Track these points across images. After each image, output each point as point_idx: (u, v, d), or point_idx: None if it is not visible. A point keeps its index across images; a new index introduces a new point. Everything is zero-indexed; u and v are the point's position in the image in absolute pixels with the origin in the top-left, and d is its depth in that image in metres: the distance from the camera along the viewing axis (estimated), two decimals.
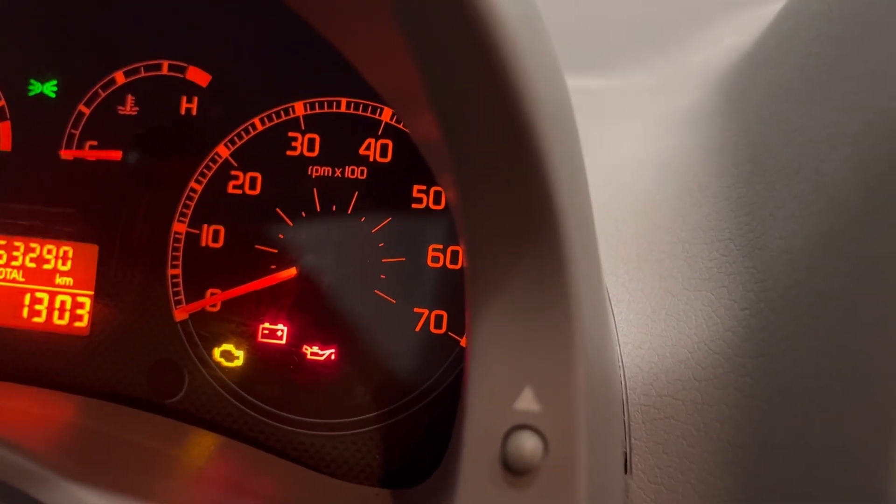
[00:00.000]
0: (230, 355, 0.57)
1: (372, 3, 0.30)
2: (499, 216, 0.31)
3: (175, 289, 0.57)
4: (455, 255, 0.55)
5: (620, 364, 0.49)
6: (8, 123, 0.61)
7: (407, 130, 0.56)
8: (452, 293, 0.54)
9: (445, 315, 0.54)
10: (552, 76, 0.30)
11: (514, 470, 0.33)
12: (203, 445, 0.55)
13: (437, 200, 0.55)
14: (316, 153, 0.57)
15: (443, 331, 0.54)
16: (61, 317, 0.59)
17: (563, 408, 0.33)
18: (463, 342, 0.54)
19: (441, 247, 0.55)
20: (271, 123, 0.57)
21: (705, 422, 0.45)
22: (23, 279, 0.60)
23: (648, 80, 0.83)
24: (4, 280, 0.60)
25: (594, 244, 0.37)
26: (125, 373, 0.58)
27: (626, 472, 0.47)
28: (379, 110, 0.56)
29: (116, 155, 0.59)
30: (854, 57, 0.42)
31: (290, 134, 0.57)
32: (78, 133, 0.60)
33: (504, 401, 0.33)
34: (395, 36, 0.28)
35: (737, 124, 0.59)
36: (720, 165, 0.57)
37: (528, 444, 0.33)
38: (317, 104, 0.57)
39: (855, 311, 0.36)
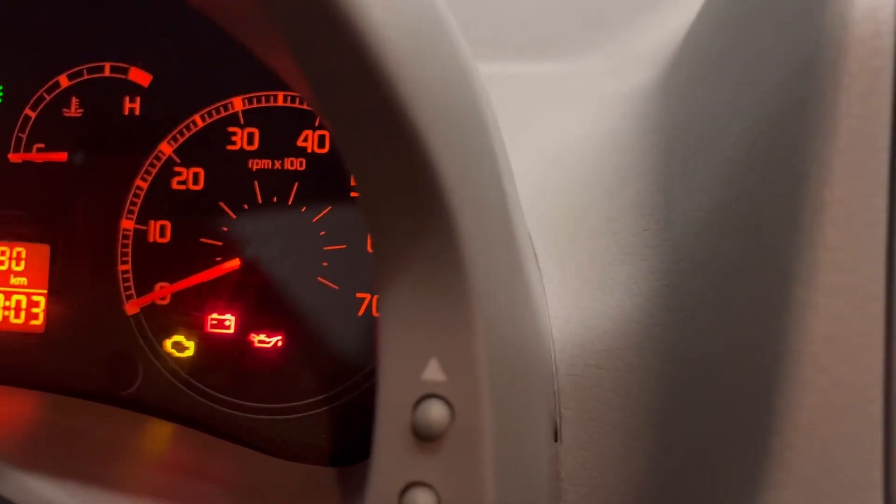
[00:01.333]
0: (181, 346, 0.59)
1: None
2: (391, 209, 0.33)
3: (125, 284, 0.59)
4: None
5: (551, 338, 0.51)
6: None
7: None
8: None
9: None
10: (436, 72, 0.32)
11: (423, 436, 0.35)
12: (159, 434, 0.57)
13: None
14: (255, 146, 0.59)
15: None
16: (17, 316, 0.61)
17: (465, 376, 0.35)
18: None
19: None
20: (211, 119, 0.59)
21: (627, 388, 0.47)
22: None
23: (600, 63, 0.85)
24: None
25: (502, 228, 0.39)
26: (81, 367, 0.60)
27: (556, 440, 0.49)
28: None
29: (63, 156, 0.60)
30: (747, 37, 0.44)
31: (230, 129, 0.59)
32: (25, 136, 0.61)
33: (413, 372, 0.35)
34: (273, 35, 0.30)
35: (666, 104, 0.61)
36: (649, 144, 0.59)
37: (435, 411, 0.35)
38: (254, 99, 0.59)
39: (744, 280, 0.38)
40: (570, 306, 0.53)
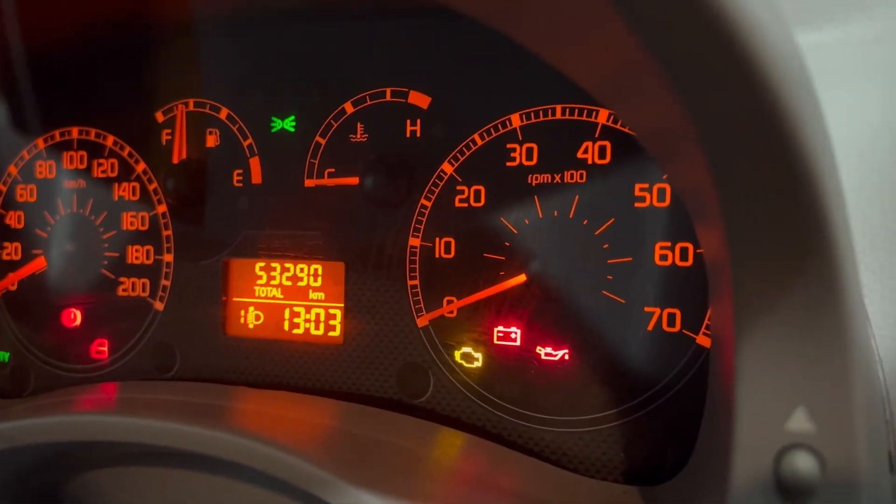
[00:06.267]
0: (470, 357, 0.61)
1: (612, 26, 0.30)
2: (771, 241, 0.31)
3: (415, 298, 0.62)
4: (684, 251, 0.54)
5: (878, 359, 0.47)
6: (257, 159, 0.68)
7: (625, 130, 0.56)
8: (684, 290, 0.54)
9: (679, 313, 0.54)
10: (813, 97, 0.29)
11: (789, 491, 0.33)
12: (451, 444, 0.60)
13: (660, 198, 0.55)
14: (534, 161, 0.59)
15: (676, 329, 0.54)
16: (317, 328, 0.66)
17: (841, 427, 0.32)
18: (699, 340, 0.54)
19: (669, 244, 0.55)
20: (490, 137, 0.60)
21: None
22: (282, 296, 0.68)
23: (870, 28, 0.76)
24: (267, 298, 0.68)
25: (854, 250, 0.36)
26: (377, 377, 0.64)
27: (891, 471, 0.45)
28: (595, 113, 0.57)
29: (353, 180, 0.64)
30: None
31: (509, 146, 0.59)
32: (317, 162, 0.66)
33: (776, 420, 0.33)
34: (653, 74, 0.29)
35: None
36: None
37: (804, 464, 0.33)
38: (532, 114, 0.59)
39: None
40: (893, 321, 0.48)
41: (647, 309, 0.56)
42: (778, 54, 0.27)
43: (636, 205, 0.56)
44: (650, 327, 0.55)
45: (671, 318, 0.55)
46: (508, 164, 0.60)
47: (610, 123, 0.57)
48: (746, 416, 0.34)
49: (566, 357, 0.58)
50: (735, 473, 0.34)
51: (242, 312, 0.69)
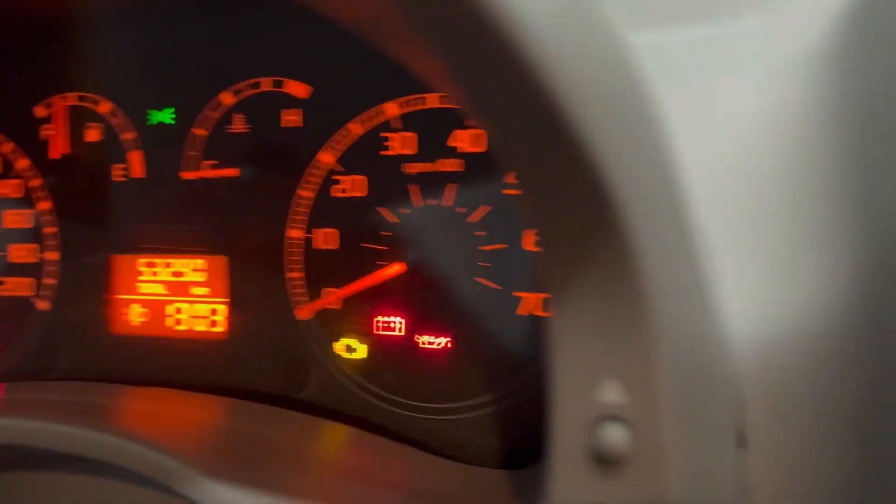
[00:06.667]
0: (352, 349, 0.60)
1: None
2: (559, 217, 0.31)
3: (296, 290, 0.61)
4: None
5: (729, 337, 0.47)
6: (138, 153, 0.67)
7: None
8: None
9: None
10: (595, 69, 0.30)
11: (604, 461, 0.33)
12: (335, 438, 0.59)
13: None
14: (411, 150, 0.59)
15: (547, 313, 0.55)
16: (201, 323, 0.65)
17: (646, 396, 0.32)
18: None
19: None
20: (367, 127, 0.60)
21: (823, 392, 0.43)
22: (166, 292, 0.66)
23: (761, 23, 0.78)
24: (150, 294, 0.67)
25: (676, 225, 0.36)
26: (260, 371, 0.63)
27: (741, 446, 0.45)
28: None
29: (233, 172, 0.63)
30: None
31: (385, 135, 0.59)
32: (198, 154, 0.65)
33: (587, 392, 0.34)
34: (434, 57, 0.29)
35: (853, 69, 0.55)
36: (836, 116, 0.53)
37: (615, 434, 0.33)
38: (408, 102, 0.59)
39: None
40: (752, 302, 0.49)
41: (518, 294, 0.56)
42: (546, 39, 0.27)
43: (508, 192, 0.56)
44: (524, 312, 0.56)
45: (546, 302, 0.55)
46: (386, 153, 0.59)
47: None
48: (561, 389, 0.34)
49: (447, 345, 0.58)
50: (555, 446, 0.35)
51: (126, 310, 0.67)
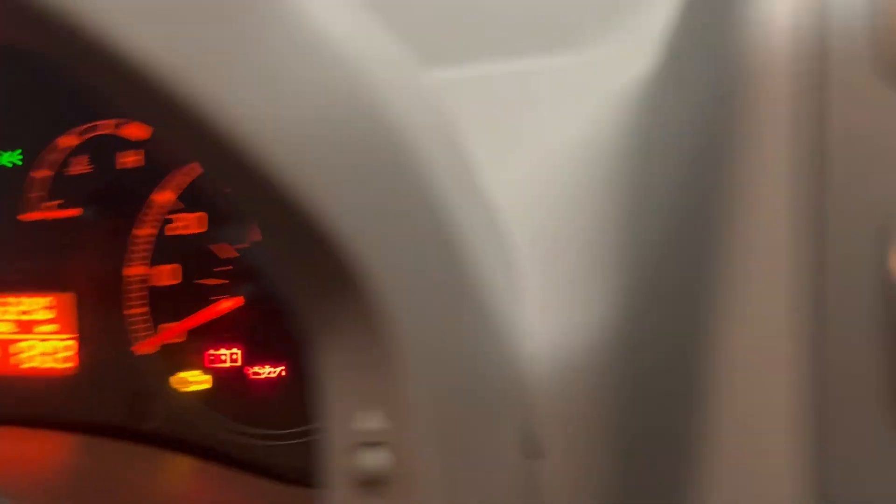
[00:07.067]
0: (192, 381, 0.62)
1: None
2: (300, 271, 0.34)
3: (136, 326, 0.63)
4: None
5: (525, 355, 0.52)
6: None
7: None
8: None
9: None
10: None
11: (368, 483, 0.36)
12: (177, 470, 0.61)
13: None
14: None
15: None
16: (48, 360, 0.66)
17: (403, 422, 0.36)
18: None
19: None
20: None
21: (603, 406, 0.47)
22: (14, 330, 0.67)
23: (604, 52, 0.83)
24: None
25: (438, 259, 0.40)
26: (107, 406, 0.64)
27: (533, 457, 0.49)
28: None
29: (71, 212, 0.65)
30: (696, 39, 0.43)
31: None
32: (36, 196, 0.66)
33: (347, 421, 0.37)
34: None
35: (652, 101, 0.60)
36: (629, 147, 0.58)
37: (376, 458, 0.36)
38: None
39: (692, 303, 0.38)
40: (547, 322, 0.53)
41: None
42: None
43: None
44: None
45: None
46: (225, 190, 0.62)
47: None
48: (328, 419, 0.37)
49: (282, 373, 0.60)
50: (326, 472, 0.38)
51: None
